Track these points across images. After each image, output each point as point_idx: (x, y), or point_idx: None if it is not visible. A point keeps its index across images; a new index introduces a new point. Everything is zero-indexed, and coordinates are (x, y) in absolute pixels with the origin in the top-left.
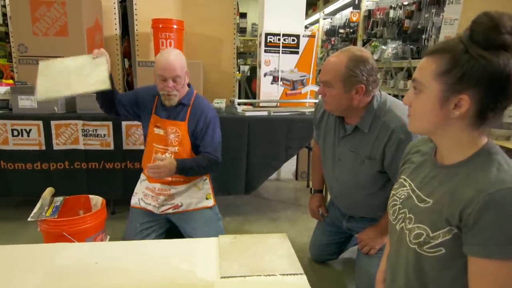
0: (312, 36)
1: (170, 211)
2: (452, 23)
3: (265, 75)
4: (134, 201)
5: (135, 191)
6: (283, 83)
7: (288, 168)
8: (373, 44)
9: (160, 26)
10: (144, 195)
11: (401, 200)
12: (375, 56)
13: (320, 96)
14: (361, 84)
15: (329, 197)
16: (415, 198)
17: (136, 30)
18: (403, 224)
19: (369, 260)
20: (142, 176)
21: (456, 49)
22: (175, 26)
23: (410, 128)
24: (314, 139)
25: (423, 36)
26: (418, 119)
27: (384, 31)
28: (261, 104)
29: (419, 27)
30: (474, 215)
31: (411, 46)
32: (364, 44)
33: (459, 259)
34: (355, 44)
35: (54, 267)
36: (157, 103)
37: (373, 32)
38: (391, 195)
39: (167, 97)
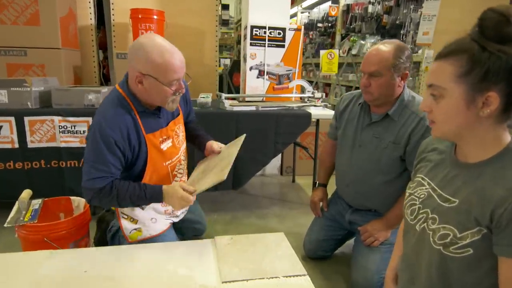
0: (298, 29)
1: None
2: (431, 19)
3: (250, 68)
4: (157, 227)
5: (143, 223)
6: (269, 77)
7: (273, 163)
8: (351, 39)
9: (140, 16)
10: (171, 212)
11: (420, 200)
12: (354, 51)
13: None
14: (406, 71)
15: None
16: (437, 198)
17: (113, 20)
18: (425, 224)
19: (367, 255)
20: None
21: (472, 48)
22: (155, 17)
23: (435, 133)
24: (328, 135)
25: (401, 32)
26: (445, 123)
27: (362, 26)
28: (246, 99)
29: (397, 22)
30: (507, 215)
31: None
32: (342, 38)
33: (486, 260)
34: (333, 38)
35: (39, 278)
36: (142, 119)
37: (351, 26)
38: (407, 194)
39: (175, 100)
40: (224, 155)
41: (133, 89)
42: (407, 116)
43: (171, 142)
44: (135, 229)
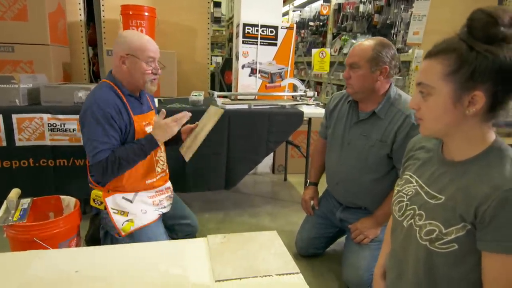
0: (290, 28)
1: (172, 196)
2: (421, 19)
3: (243, 67)
4: (148, 217)
5: (134, 214)
6: (261, 75)
7: (265, 161)
8: (343, 38)
9: (130, 13)
10: (158, 203)
11: (408, 197)
12: (345, 50)
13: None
14: (386, 65)
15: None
16: (424, 195)
17: (103, 16)
18: (412, 220)
19: (358, 252)
20: (129, 196)
21: (460, 48)
22: (146, 14)
23: (423, 131)
24: (319, 134)
25: (392, 31)
26: (432, 121)
27: (353, 25)
28: (238, 97)
29: (388, 22)
30: (490, 212)
31: None
32: (334, 37)
33: (471, 256)
34: (325, 37)
35: (29, 279)
36: (129, 102)
37: (343, 26)
38: (395, 191)
39: (153, 82)
40: (203, 121)
41: (118, 74)
42: (394, 114)
43: (151, 128)
44: (127, 220)
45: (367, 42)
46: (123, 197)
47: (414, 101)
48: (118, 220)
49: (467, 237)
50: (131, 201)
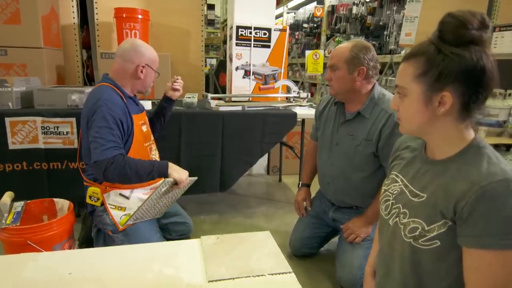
0: (283, 30)
1: None
2: (413, 20)
3: (236, 69)
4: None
5: (131, 209)
6: (255, 77)
7: (260, 163)
8: (336, 39)
9: (124, 15)
10: None
11: (393, 196)
12: None
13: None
14: (363, 66)
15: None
16: (408, 193)
17: (97, 19)
18: (397, 218)
19: (351, 251)
20: (126, 192)
21: (429, 51)
22: (140, 16)
23: (402, 130)
24: (311, 136)
25: (385, 33)
26: (408, 121)
27: (347, 26)
28: (232, 99)
29: (381, 23)
30: (468, 208)
31: (373, 42)
32: (328, 39)
33: (454, 251)
34: (319, 39)
35: (22, 281)
36: (128, 103)
37: (336, 27)
38: (382, 191)
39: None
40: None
41: (121, 78)
42: (378, 113)
43: (146, 127)
44: (124, 214)
45: (345, 45)
46: (120, 193)
47: (393, 102)
48: (116, 214)
49: (448, 234)
50: (127, 197)
